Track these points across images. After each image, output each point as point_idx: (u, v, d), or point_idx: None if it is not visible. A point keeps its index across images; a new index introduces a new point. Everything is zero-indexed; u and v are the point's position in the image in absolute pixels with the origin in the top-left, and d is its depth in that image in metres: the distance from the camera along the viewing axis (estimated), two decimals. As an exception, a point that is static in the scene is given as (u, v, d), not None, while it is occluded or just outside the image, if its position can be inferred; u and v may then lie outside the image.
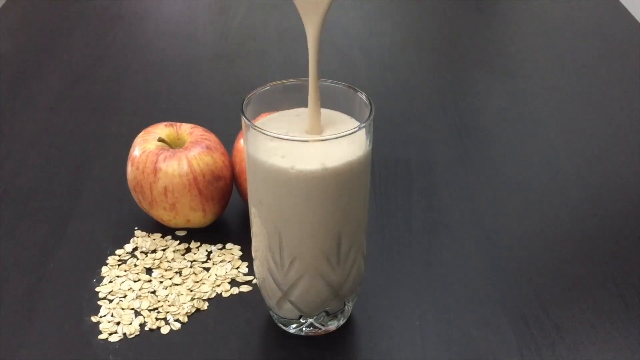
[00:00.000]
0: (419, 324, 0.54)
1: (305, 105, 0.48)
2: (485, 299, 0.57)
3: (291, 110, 0.50)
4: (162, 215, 0.60)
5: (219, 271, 0.58)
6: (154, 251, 0.61)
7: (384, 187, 0.69)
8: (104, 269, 0.59)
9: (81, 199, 0.67)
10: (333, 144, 0.45)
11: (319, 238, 0.47)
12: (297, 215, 0.46)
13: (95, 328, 0.53)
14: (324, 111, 0.48)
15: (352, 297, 0.53)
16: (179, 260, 0.60)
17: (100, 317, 0.54)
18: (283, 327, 0.54)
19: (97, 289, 0.57)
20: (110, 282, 0.57)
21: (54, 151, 0.74)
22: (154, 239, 0.62)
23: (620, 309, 0.56)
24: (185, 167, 0.58)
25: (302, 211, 0.46)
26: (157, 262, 0.59)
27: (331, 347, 0.52)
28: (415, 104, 0.84)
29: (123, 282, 0.57)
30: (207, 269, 0.59)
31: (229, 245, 0.61)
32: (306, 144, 0.45)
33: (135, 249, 0.61)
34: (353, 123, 0.48)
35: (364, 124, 0.46)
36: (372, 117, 0.46)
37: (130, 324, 0.54)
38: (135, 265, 0.59)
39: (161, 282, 0.57)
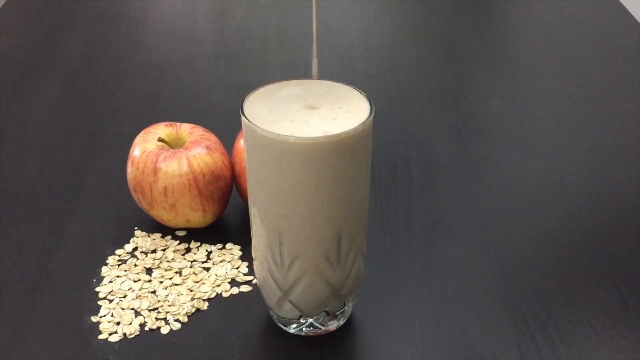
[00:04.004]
0: (418, 323, 0.54)
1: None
2: (485, 299, 0.57)
3: (294, 81, 0.50)
4: (162, 215, 0.60)
5: (219, 271, 0.58)
6: (154, 251, 0.61)
7: (384, 187, 0.69)
8: (104, 269, 0.59)
9: (81, 199, 0.67)
10: (335, 117, 0.46)
11: (319, 237, 0.47)
12: (296, 192, 0.46)
13: (95, 328, 0.53)
14: (332, 84, 0.49)
15: (352, 297, 0.53)
16: (179, 260, 0.60)
17: (100, 317, 0.54)
18: (283, 327, 0.54)
19: (97, 289, 0.57)
20: (110, 282, 0.57)
21: (54, 151, 0.74)
22: (154, 239, 0.62)
23: (620, 309, 0.56)
24: (185, 167, 0.58)
25: (301, 184, 0.46)
26: (157, 262, 0.59)
27: (331, 347, 0.52)
28: (415, 104, 0.84)
29: (123, 282, 0.57)
30: (207, 269, 0.59)
31: (229, 245, 0.61)
32: (307, 115, 0.46)
33: (135, 249, 0.61)
34: (358, 96, 0.49)
35: (365, 120, 0.46)
36: (373, 112, 0.47)
37: (130, 324, 0.54)
38: (135, 265, 0.59)
39: (161, 282, 0.57)
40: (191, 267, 0.59)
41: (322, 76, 0.49)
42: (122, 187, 0.64)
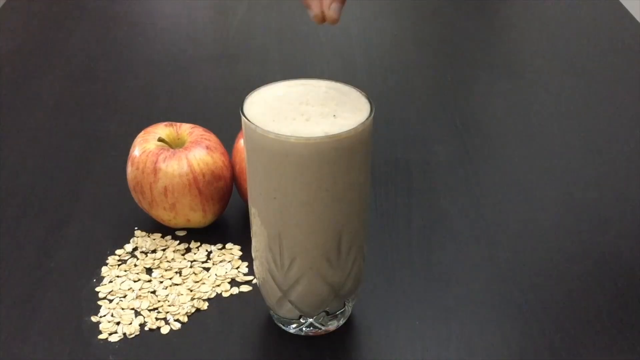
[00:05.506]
0: (418, 324, 0.54)
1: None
2: (485, 299, 0.57)
3: (294, 81, 0.50)
4: (162, 215, 0.60)
5: (219, 271, 0.58)
6: (154, 251, 0.60)
7: (384, 187, 0.69)
8: (104, 269, 0.59)
9: (81, 199, 0.67)
10: (335, 117, 0.46)
11: (319, 236, 0.47)
12: (296, 192, 0.46)
13: (95, 328, 0.53)
14: (332, 84, 0.49)
15: (352, 297, 0.53)
16: (179, 260, 0.60)
17: (100, 317, 0.54)
18: (283, 327, 0.54)
19: (97, 289, 0.57)
20: (110, 282, 0.57)
21: (54, 151, 0.74)
22: (154, 239, 0.62)
23: (620, 309, 0.56)
24: (185, 167, 0.58)
25: (301, 183, 0.45)
26: (157, 262, 0.59)
27: (331, 347, 0.52)
28: (415, 104, 0.84)
29: (123, 282, 0.57)
30: (207, 269, 0.59)
31: (229, 245, 0.61)
32: (307, 115, 0.46)
33: (135, 249, 0.61)
34: (358, 96, 0.49)
35: (365, 120, 0.46)
36: (373, 112, 0.47)
37: (130, 324, 0.54)
38: (135, 265, 0.59)
39: (161, 282, 0.57)
40: (191, 267, 0.59)
41: (322, 76, 0.49)
42: (122, 187, 0.64)
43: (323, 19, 0.47)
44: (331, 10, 0.46)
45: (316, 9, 0.46)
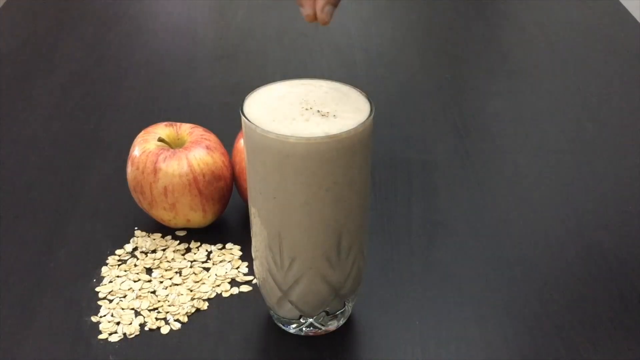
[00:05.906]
0: (418, 324, 0.54)
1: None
2: (485, 299, 0.57)
3: (294, 81, 0.50)
4: (162, 215, 0.60)
5: (219, 271, 0.58)
6: (154, 251, 0.60)
7: (384, 187, 0.69)
8: (104, 269, 0.59)
9: (81, 199, 0.67)
10: (335, 117, 0.46)
11: (319, 236, 0.47)
12: (295, 192, 0.46)
13: (95, 328, 0.53)
14: (332, 84, 0.49)
15: (352, 297, 0.53)
16: (179, 260, 0.60)
17: (100, 317, 0.54)
18: (283, 327, 0.54)
19: (97, 289, 0.57)
20: (110, 282, 0.57)
21: (54, 151, 0.74)
22: (154, 239, 0.62)
23: (620, 309, 0.56)
24: (185, 167, 0.58)
25: (301, 184, 0.45)
26: (157, 262, 0.59)
27: (331, 347, 0.52)
28: (415, 104, 0.84)
29: (123, 282, 0.57)
30: (207, 269, 0.59)
31: (229, 245, 0.61)
32: (307, 115, 0.46)
33: (135, 249, 0.61)
34: (358, 96, 0.49)
35: (365, 120, 0.46)
36: (373, 112, 0.47)
37: (130, 324, 0.54)
38: (135, 265, 0.59)
39: (161, 282, 0.57)
40: (191, 267, 0.59)
41: (322, 76, 0.49)
42: (122, 187, 0.64)
43: (314, 18, 0.47)
44: (324, 13, 0.47)
45: (309, 8, 0.47)
